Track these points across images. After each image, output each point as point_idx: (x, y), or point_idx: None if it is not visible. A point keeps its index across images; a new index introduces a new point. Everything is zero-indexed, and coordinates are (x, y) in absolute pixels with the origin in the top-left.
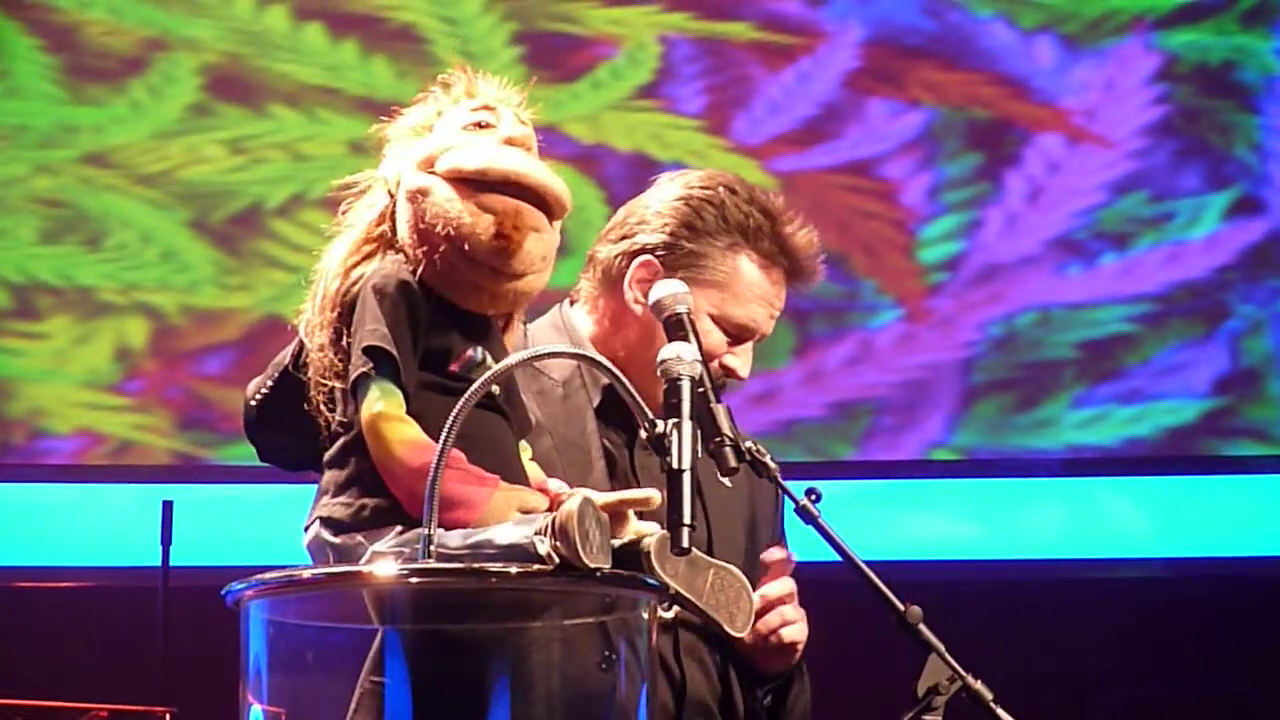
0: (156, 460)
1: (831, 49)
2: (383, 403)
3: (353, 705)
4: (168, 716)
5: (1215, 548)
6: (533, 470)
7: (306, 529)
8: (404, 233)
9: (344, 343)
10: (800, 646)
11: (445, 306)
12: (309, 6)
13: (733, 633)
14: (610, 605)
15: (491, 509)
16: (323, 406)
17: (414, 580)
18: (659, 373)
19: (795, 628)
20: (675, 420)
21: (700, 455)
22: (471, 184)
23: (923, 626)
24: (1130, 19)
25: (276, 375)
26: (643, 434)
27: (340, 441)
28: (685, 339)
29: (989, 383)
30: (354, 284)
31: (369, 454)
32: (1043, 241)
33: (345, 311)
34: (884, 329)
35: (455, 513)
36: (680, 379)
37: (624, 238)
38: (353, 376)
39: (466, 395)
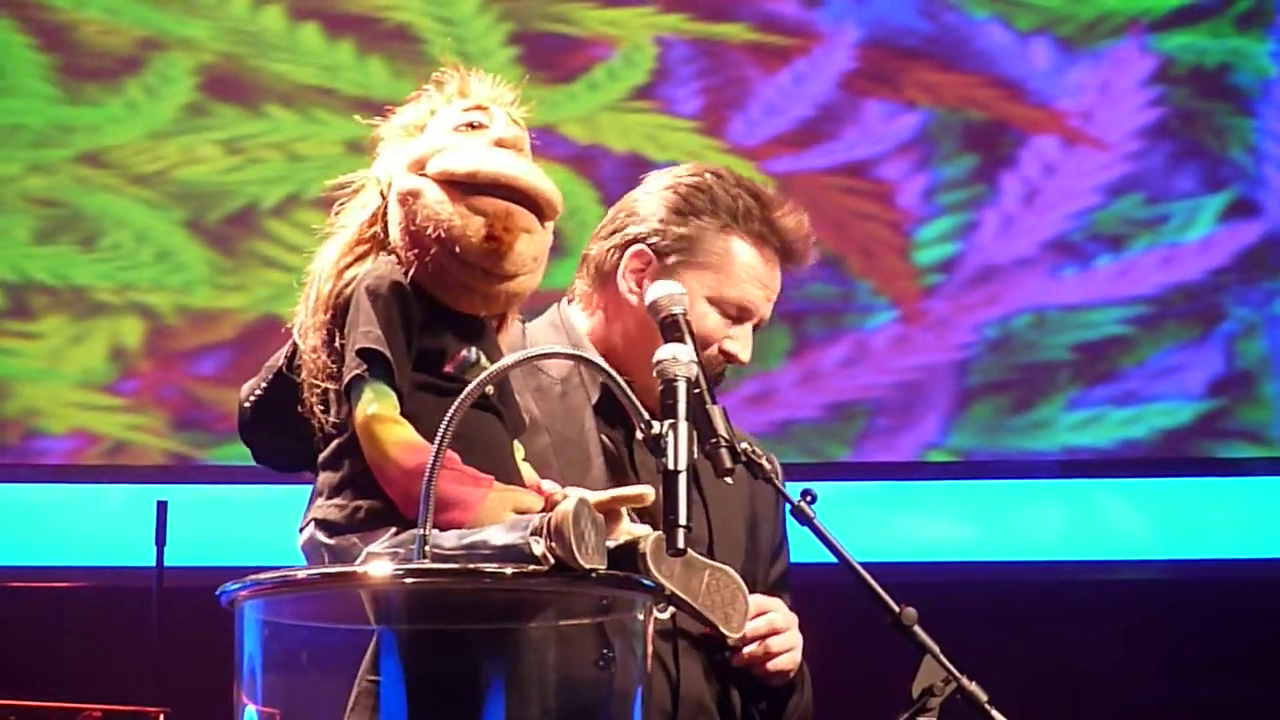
0: (151, 460)
1: (827, 50)
2: (376, 404)
3: (350, 703)
4: (161, 717)
5: (1211, 549)
6: (526, 471)
7: (301, 530)
8: (395, 234)
9: (337, 344)
10: (791, 657)
11: (438, 307)
12: (305, 6)
13: (728, 633)
14: (605, 606)
15: (486, 510)
16: (316, 408)
17: (409, 581)
18: (655, 374)
19: (784, 637)
20: (671, 421)
21: (696, 456)
22: (462, 186)
23: (918, 628)
24: (1126, 21)
25: (271, 377)
26: (639, 435)
27: (334, 443)
28: (681, 340)
29: (984, 384)
30: (347, 285)
31: (363, 456)
32: (1038, 243)
33: (338, 313)
34: (879, 330)
35: (450, 514)
36: (676, 380)
37: (615, 232)
38: (346, 378)
39: (462, 396)
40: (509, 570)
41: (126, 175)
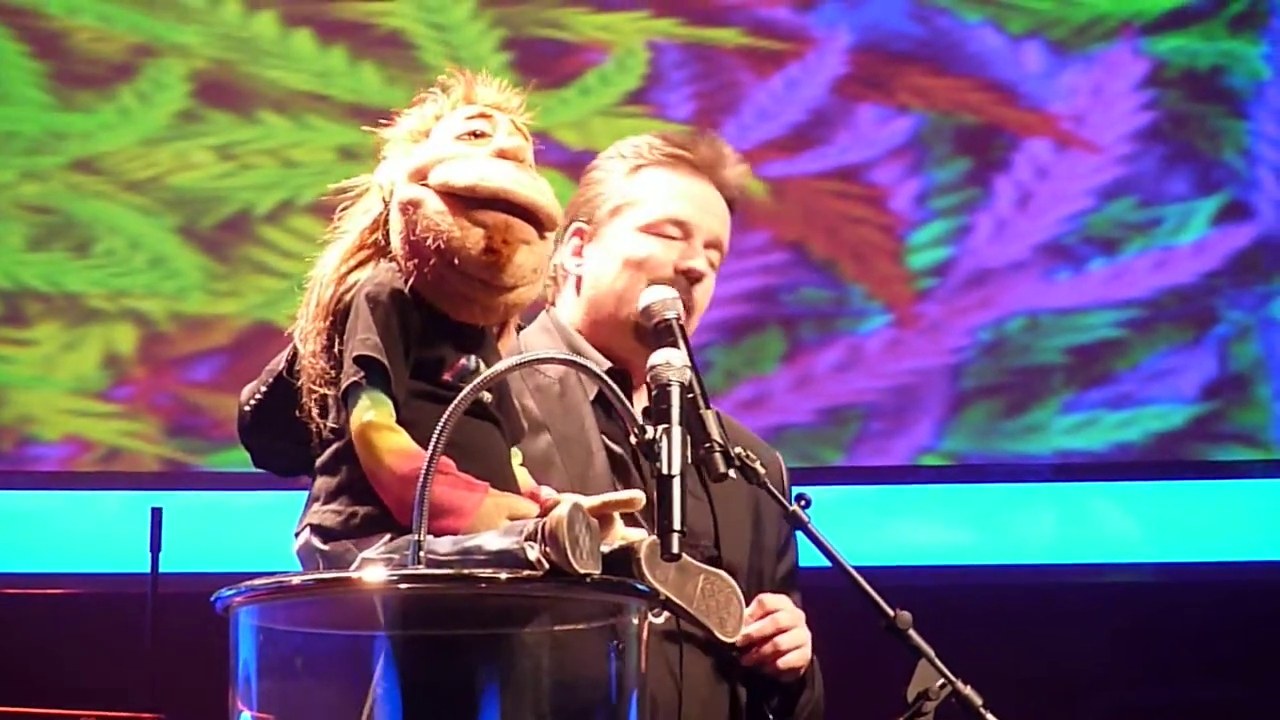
0: (145, 467)
1: (820, 55)
2: (373, 412)
3: (365, 713)
4: None
5: (1205, 553)
6: (523, 476)
7: (297, 535)
8: (396, 243)
9: (336, 350)
10: (801, 654)
11: (438, 316)
12: (298, 13)
13: (723, 638)
14: (600, 611)
15: (481, 516)
16: (314, 413)
17: (404, 586)
18: (649, 379)
19: (792, 634)
20: (665, 426)
21: (690, 461)
22: (462, 199)
23: (912, 632)
24: (1118, 24)
25: (271, 381)
26: (633, 439)
27: (332, 448)
28: (674, 345)
29: (978, 388)
30: (347, 291)
31: (360, 461)
32: (1031, 247)
33: (338, 319)
34: (873, 334)
35: (445, 520)
36: (670, 385)
37: (560, 232)
38: (343, 385)
39: (455, 401)
40: (504, 575)
41: (120, 182)
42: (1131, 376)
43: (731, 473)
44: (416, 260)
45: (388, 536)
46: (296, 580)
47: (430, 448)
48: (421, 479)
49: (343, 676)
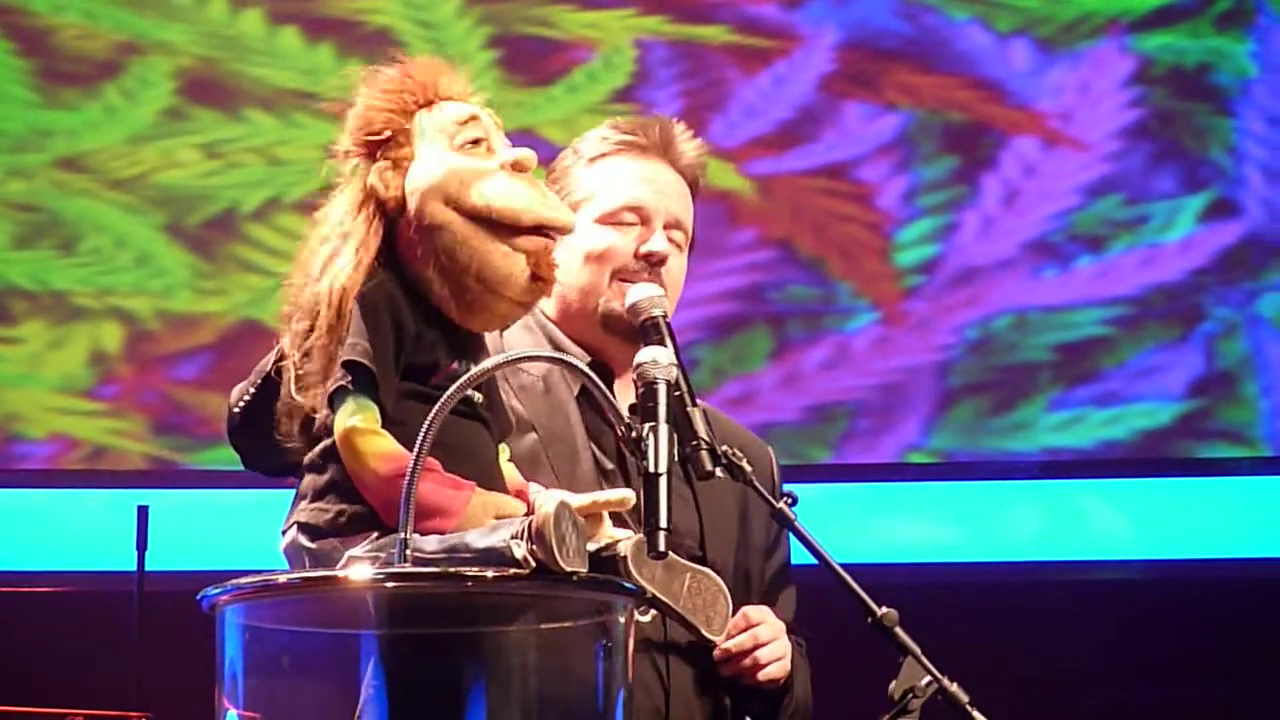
0: (131, 465)
1: (807, 52)
2: (358, 417)
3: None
4: None
5: (1192, 550)
6: (509, 472)
7: (284, 533)
8: (418, 264)
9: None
10: (780, 666)
11: (436, 321)
12: (284, 10)
13: (709, 636)
14: (587, 609)
15: (469, 516)
16: (290, 413)
17: (389, 585)
18: (635, 376)
19: (771, 648)
20: (651, 424)
21: (677, 459)
22: (505, 227)
23: (899, 629)
24: (1105, 22)
25: (260, 381)
26: (619, 436)
27: (320, 446)
28: (661, 343)
29: (965, 385)
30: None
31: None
32: (1018, 244)
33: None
34: (860, 332)
35: (432, 520)
36: (656, 383)
37: None
38: (329, 389)
39: (441, 401)
40: (490, 573)
41: (105, 180)
42: (1118, 374)
43: (718, 471)
44: (451, 286)
45: (374, 534)
46: (283, 579)
47: (416, 446)
48: (408, 476)
49: (329, 675)
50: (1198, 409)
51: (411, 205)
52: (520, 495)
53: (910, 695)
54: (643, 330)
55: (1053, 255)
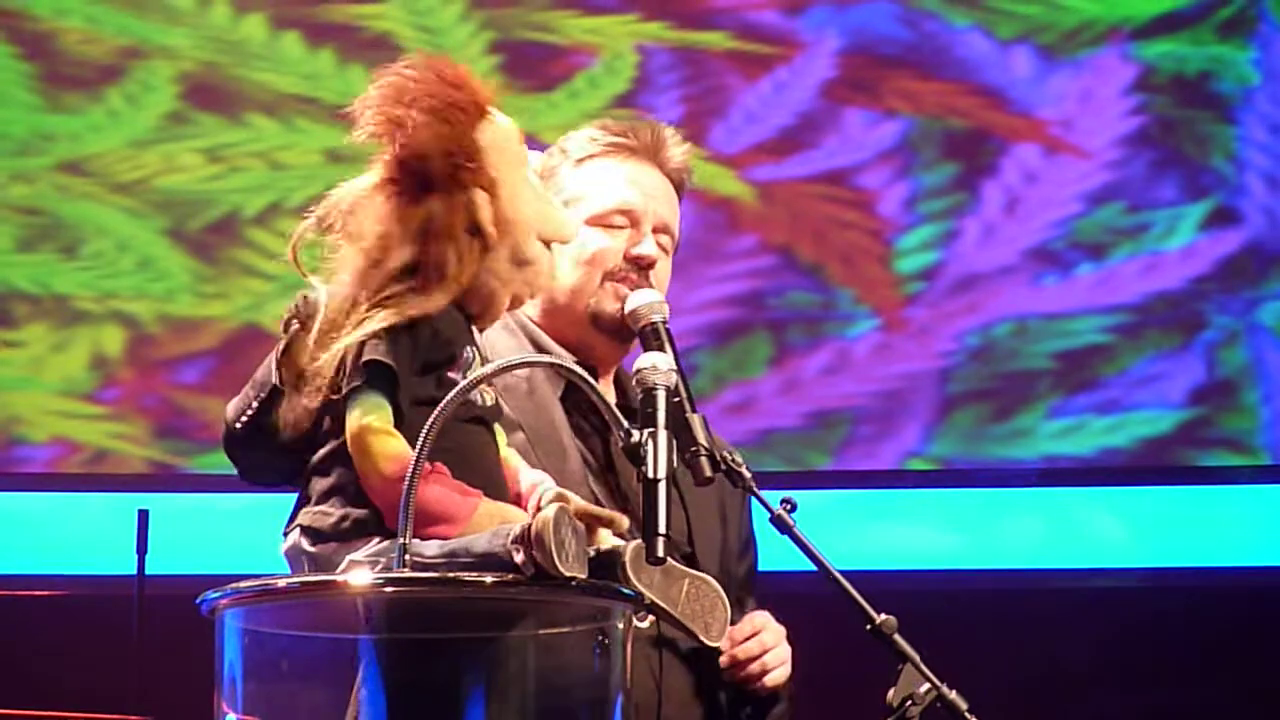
0: (132, 469)
1: (808, 59)
2: (372, 416)
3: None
4: None
5: (1192, 558)
6: (510, 456)
7: (286, 535)
8: (493, 281)
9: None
10: (783, 671)
11: (451, 325)
12: (286, 15)
13: (708, 642)
14: (585, 615)
15: (474, 524)
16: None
17: (389, 589)
18: (634, 382)
19: (776, 652)
20: (651, 430)
21: (676, 465)
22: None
23: (898, 636)
24: (1107, 29)
25: (265, 394)
26: (619, 442)
27: (326, 449)
28: (661, 348)
29: (966, 393)
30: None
31: (353, 465)
32: (1019, 251)
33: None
34: (861, 338)
35: (438, 527)
36: (656, 389)
37: None
38: (345, 389)
39: (441, 405)
40: (489, 579)
41: (108, 184)
42: (1119, 381)
43: (718, 477)
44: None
45: (376, 539)
46: (282, 583)
47: (416, 451)
48: (407, 481)
49: (328, 679)
50: (1198, 417)
51: (509, 235)
52: (516, 500)
53: (909, 702)
54: (643, 336)
55: (1054, 262)
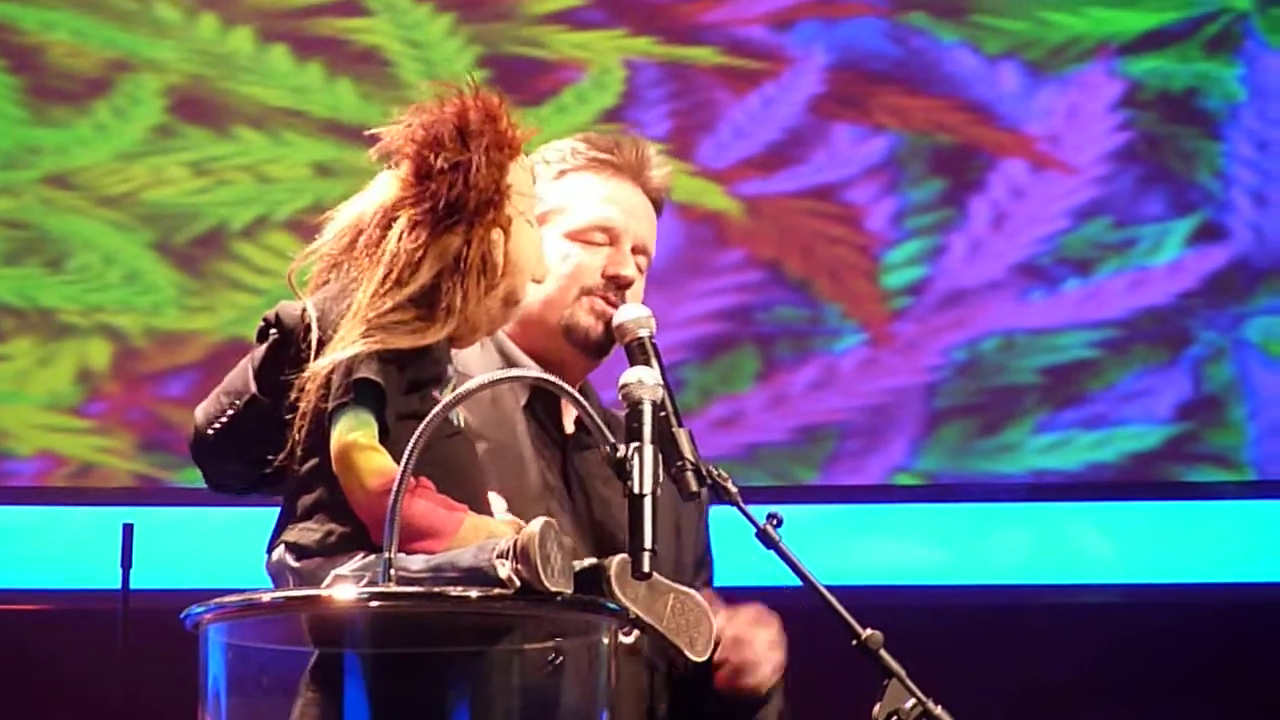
0: (118, 482)
1: (796, 74)
2: (357, 432)
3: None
4: None
5: (1179, 573)
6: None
7: (270, 551)
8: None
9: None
10: (772, 670)
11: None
12: (274, 29)
13: (693, 657)
14: (571, 629)
15: (460, 539)
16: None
17: (374, 604)
18: (620, 397)
19: (757, 650)
20: (636, 445)
21: (662, 480)
22: None
23: (883, 652)
24: (1094, 45)
25: (241, 404)
26: (603, 457)
27: (310, 464)
28: (647, 363)
29: (952, 407)
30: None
31: (338, 481)
32: (1006, 267)
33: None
34: (848, 353)
35: (424, 542)
36: (642, 403)
37: None
38: (331, 405)
39: (426, 421)
40: (474, 593)
41: (94, 197)
42: (1106, 397)
43: (704, 492)
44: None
45: (361, 554)
46: (266, 597)
47: (401, 466)
48: (392, 496)
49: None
50: (1185, 432)
51: (511, 277)
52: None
53: (894, 718)
54: (629, 350)
55: (1040, 278)
